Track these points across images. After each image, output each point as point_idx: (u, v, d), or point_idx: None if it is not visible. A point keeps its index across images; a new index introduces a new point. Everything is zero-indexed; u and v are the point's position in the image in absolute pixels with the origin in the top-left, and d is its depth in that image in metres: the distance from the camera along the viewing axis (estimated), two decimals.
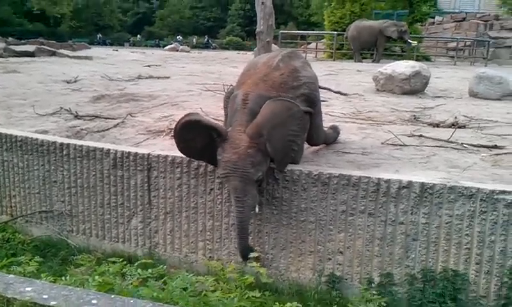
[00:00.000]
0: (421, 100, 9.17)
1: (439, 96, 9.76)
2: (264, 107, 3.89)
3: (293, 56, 4.66)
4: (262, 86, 4.18)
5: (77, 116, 6.93)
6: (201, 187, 4.61)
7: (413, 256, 4.01)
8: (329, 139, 5.54)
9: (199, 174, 4.59)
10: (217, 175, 4.42)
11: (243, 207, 3.89)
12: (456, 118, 6.96)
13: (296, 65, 4.50)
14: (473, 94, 9.63)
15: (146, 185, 4.86)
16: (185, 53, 28.39)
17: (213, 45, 51.92)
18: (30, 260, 3.89)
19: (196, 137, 3.97)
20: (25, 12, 51.00)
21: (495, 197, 3.74)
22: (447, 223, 3.87)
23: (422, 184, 3.93)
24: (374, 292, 3.87)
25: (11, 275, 2.93)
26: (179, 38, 52.42)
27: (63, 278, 3.44)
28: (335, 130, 5.74)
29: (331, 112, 7.33)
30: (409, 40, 21.17)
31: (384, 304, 3.66)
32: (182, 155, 4.41)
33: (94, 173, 5.07)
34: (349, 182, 4.12)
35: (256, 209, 4.07)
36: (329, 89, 9.54)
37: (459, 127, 6.44)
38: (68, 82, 10.35)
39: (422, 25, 28.49)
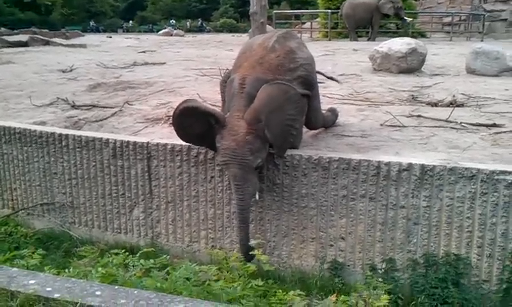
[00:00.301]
0: (418, 78, 9.14)
1: (436, 74, 9.73)
2: (261, 91, 3.86)
3: (288, 37, 4.61)
4: (259, 68, 4.15)
5: (74, 106, 6.90)
6: (202, 175, 4.61)
7: (415, 240, 4.02)
8: (328, 122, 5.51)
9: (199, 162, 4.59)
10: (216, 162, 4.41)
11: (243, 195, 3.88)
12: (454, 96, 6.95)
13: (292, 46, 4.46)
14: (471, 71, 9.60)
15: (146, 174, 4.85)
16: (179, 37, 28.20)
17: (207, 28, 51.48)
18: (33, 253, 3.90)
19: (195, 124, 3.95)
20: (16, 1, 50.45)
21: (496, 177, 3.73)
22: (448, 206, 3.87)
23: (422, 166, 3.93)
24: (379, 279, 3.87)
25: (15, 269, 2.95)
26: (172, 22, 51.95)
27: (66, 270, 3.45)
28: (333, 112, 5.70)
29: (329, 93, 7.31)
30: (404, 17, 21.06)
31: (389, 291, 3.67)
32: (182, 143, 4.41)
33: (94, 163, 5.07)
34: (349, 166, 4.11)
35: (257, 196, 4.07)
36: (322, 74, 9.50)
37: (458, 106, 6.43)
38: (63, 72, 10.29)
39: (416, 0, 28.32)
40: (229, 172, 3.95)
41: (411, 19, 22.13)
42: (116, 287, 2.73)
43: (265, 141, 3.85)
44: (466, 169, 3.82)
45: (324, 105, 6.36)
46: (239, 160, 3.79)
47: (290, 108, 3.98)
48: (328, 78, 9.11)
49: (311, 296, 3.71)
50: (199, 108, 3.96)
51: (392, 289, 3.86)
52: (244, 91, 4.00)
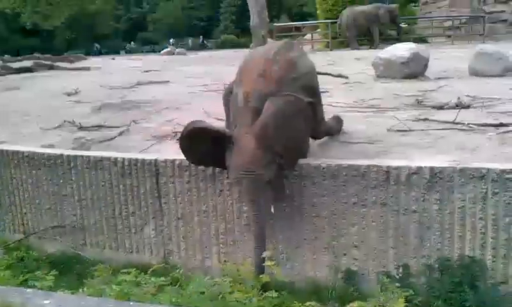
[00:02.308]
0: (422, 82, 9.13)
1: (440, 78, 9.70)
2: (267, 105, 3.86)
3: (288, 47, 4.63)
4: (262, 81, 4.14)
5: (81, 128, 6.94)
6: (211, 190, 4.61)
7: (428, 245, 3.99)
8: (333, 131, 5.47)
9: (207, 176, 4.59)
10: (228, 180, 4.40)
11: (259, 210, 3.89)
12: (459, 98, 6.92)
13: (293, 56, 4.48)
14: (474, 73, 9.58)
15: (155, 191, 4.86)
16: (181, 56, 28.28)
17: (209, 45, 51.80)
18: (46, 274, 3.90)
19: (202, 144, 3.98)
20: (19, 28, 50.88)
21: (506, 176, 3.71)
22: (459, 208, 3.85)
23: (432, 169, 3.91)
24: (396, 285, 3.82)
25: (29, 290, 2.95)
26: (171, 41, 52.32)
27: (80, 290, 3.45)
28: (338, 121, 5.66)
29: (334, 102, 7.29)
30: (400, 25, 21.28)
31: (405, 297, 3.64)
32: None
33: (103, 183, 5.08)
34: (358, 173, 4.10)
35: (272, 209, 4.05)
36: (329, 74, 9.52)
37: (463, 107, 6.41)
38: (68, 95, 10.34)
39: (415, 6, 28.40)
40: (242, 189, 3.95)
41: (405, 25, 22.30)
42: (131, 303, 2.73)
43: (274, 154, 3.85)
44: (476, 169, 3.80)
45: (329, 113, 6.36)
46: (251, 176, 3.79)
47: (297, 119, 3.97)
48: (336, 76, 9.13)
49: (327, 306, 3.69)
50: (206, 128, 3.98)
51: (409, 295, 3.82)
52: (249, 106, 4.01)
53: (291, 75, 4.28)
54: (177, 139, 4.95)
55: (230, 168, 3.92)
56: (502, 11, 26.09)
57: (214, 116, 6.51)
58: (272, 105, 3.84)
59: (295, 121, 3.94)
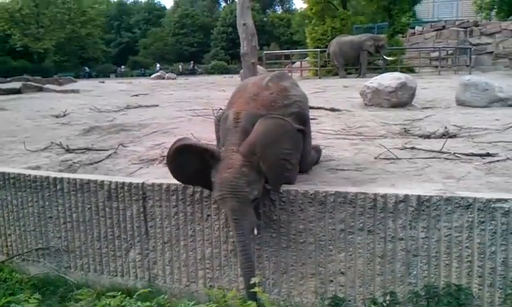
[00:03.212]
0: (410, 112, 9.25)
1: (427, 107, 9.85)
2: (257, 125, 3.87)
3: (282, 76, 4.70)
4: (253, 104, 4.19)
5: (68, 150, 6.90)
6: (198, 214, 4.58)
7: (415, 272, 3.97)
8: (314, 161, 5.45)
9: (195, 200, 4.57)
10: (212, 199, 4.38)
11: (242, 229, 3.82)
12: (446, 127, 7.01)
13: (286, 85, 4.54)
14: (461, 103, 9.73)
15: (142, 215, 4.82)
16: (171, 80, 28.45)
17: (199, 70, 52.22)
18: (29, 298, 3.84)
19: (189, 162, 3.94)
20: (8, 49, 50.91)
21: (492, 206, 3.73)
22: (446, 236, 3.86)
23: (419, 197, 3.92)
24: None
25: None
26: (158, 65, 52.71)
27: None
28: (317, 150, 5.62)
29: (322, 129, 7.36)
30: (384, 56, 21.59)
31: None
32: (177, 182, 4.39)
33: (89, 206, 5.03)
34: (346, 199, 4.10)
35: (255, 231, 4.02)
36: (322, 108, 9.61)
37: (450, 137, 6.49)
38: (57, 117, 10.34)
39: (403, 37, 28.91)
40: (226, 206, 3.89)
41: (390, 58, 22.70)
42: None
43: (260, 173, 3.84)
44: (462, 198, 3.82)
45: (318, 140, 6.41)
46: (236, 193, 3.76)
47: (286, 142, 3.97)
48: (329, 109, 9.21)
49: None
50: (193, 146, 3.97)
51: None
52: (239, 126, 4.02)
53: (283, 101, 4.32)
54: (164, 160, 4.93)
55: (214, 185, 3.89)
56: (488, 44, 26.67)
57: (204, 141, 6.52)
58: (261, 125, 3.85)
59: (284, 143, 3.93)
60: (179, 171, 4.04)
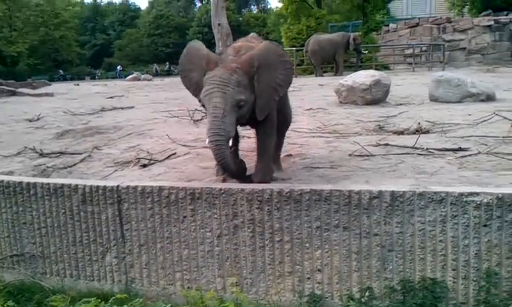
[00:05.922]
0: (384, 108, 9.33)
1: (401, 104, 9.95)
2: (261, 44, 4.20)
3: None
4: (252, 44, 4.43)
5: (42, 154, 6.81)
6: (174, 216, 4.56)
7: (391, 267, 4.01)
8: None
9: (170, 202, 4.54)
10: (190, 206, 4.36)
11: (219, 128, 3.78)
12: (419, 123, 7.10)
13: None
14: (434, 99, 9.86)
15: (117, 218, 4.77)
16: (147, 81, 28.22)
17: (175, 71, 51.91)
18: (4, 304, 3.78)
19: (194, 68, 4.25)
20: None
21: (464, 199, 3.79)
22: (420, 230, 3.90)
23: (393, 193, 3.96)
24: None
25: None
26: (119, 68, 52.49)
27: None
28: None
29: (297, 128, 7.38)
30: (361, 51, 22.08)
31: None
32: (152, 184, 4.37)
33: (63, 210, 4.97)
34: (321, 197, 4.12)
35: (230, 142, 4.02)
36: None
37: (423, 133, 6.57)
38: (30, 121, 10.18)
39: (377, 34, 29.20)
40: (210, 103, 3.85)
41: (366, 52, 23.09)
42: None
43: (251, 87, 3.94)
44: (435, 193, 3.87)
45: (293, 138, 6.44)
46: (223, 87, 3.78)
47: (281, 70, 4.18)
48: None
49: None
50: (200, 50, 4.30)
51: None
52: (240, 54, 4.15)
53: (277, 49, 4.39)
54: (140, 162, 4.87)
55: (204, 81, 3.95)
56: (461, 40, 27.03)
57: (179, 142, 6.50)
58: (264, 45, 4.18)
59: (278, 70, 4.15)
60: (185, 74, 4.48)
